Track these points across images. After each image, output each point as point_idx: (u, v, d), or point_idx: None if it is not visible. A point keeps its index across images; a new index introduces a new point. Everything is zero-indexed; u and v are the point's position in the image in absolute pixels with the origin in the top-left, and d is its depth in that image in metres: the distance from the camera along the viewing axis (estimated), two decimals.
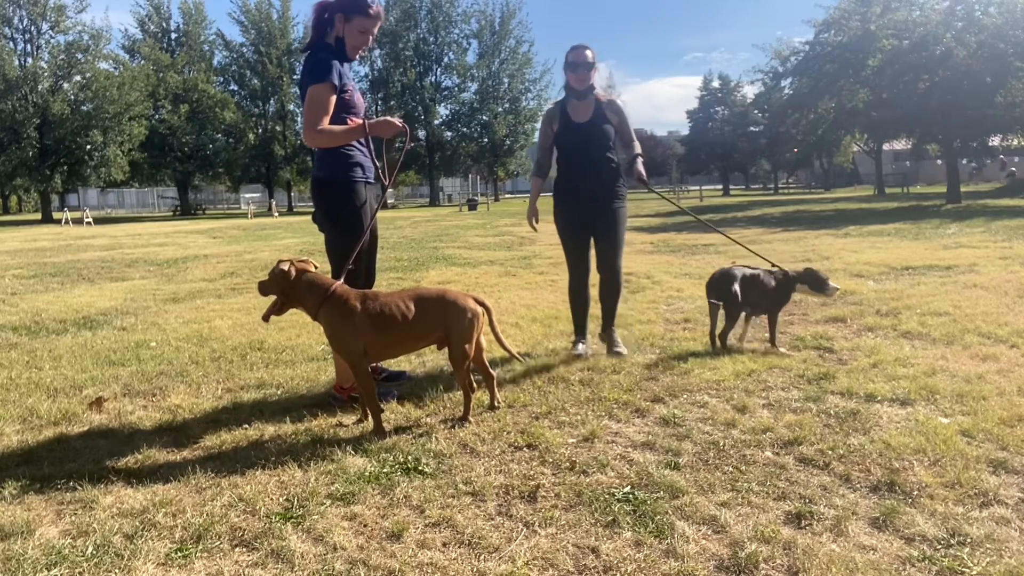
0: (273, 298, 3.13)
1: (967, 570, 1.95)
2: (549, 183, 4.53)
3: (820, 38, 25.33)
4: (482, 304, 3.21)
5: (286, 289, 3.08)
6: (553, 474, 2.63)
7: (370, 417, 3.12)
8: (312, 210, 3.58)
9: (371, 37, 3.44)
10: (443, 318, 3.11)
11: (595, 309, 4.46)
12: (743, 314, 4.32)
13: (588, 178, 4.25)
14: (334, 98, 3.28)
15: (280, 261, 3.11)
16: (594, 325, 4.55)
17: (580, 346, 4.31)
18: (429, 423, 3.18)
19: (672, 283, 7.21)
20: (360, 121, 3.37)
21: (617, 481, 2.55)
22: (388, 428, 3.11)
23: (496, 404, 3.36)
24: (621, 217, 4.33)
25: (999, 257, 8.10)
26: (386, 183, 3.61)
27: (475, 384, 3.25)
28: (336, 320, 3.04)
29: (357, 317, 3.03)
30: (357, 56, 3.49)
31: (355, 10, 3.35)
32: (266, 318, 3.16)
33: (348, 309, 3.03)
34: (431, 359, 4.29)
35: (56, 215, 36.21)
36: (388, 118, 3.30)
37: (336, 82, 3.28)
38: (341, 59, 3.39)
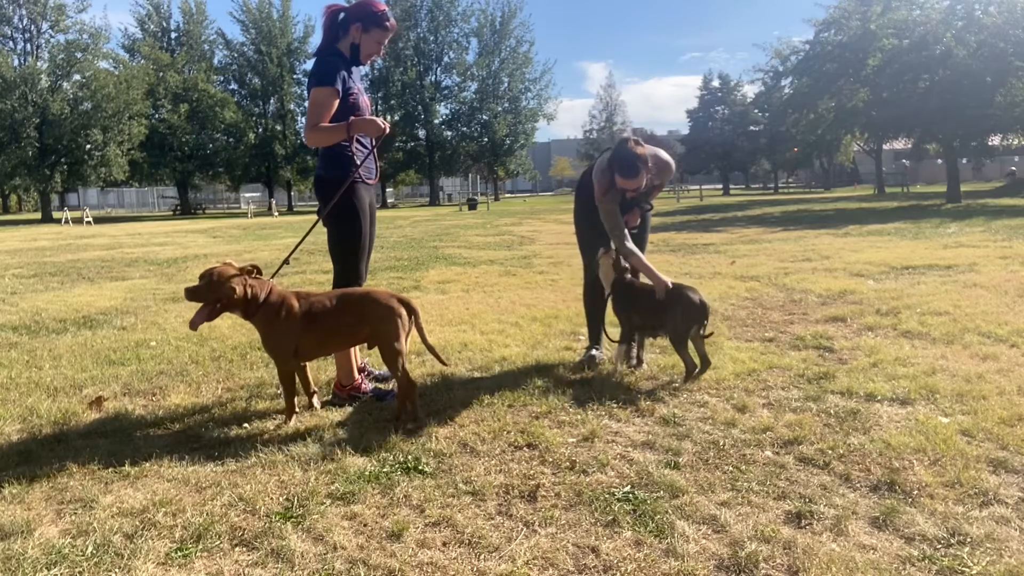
0: (200, 304, 3.09)
1: (967, 570, 1.95)
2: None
3: (820, 37, 25.36)
4: (407, 305, 3.18)
5: (222, 294, 3.04)
6: (553, 474, 2.63)
7: (287, 410, 3.23)
8: (317, 207, 3.67)
9: (383, 47, 3.56)
10: (367, 317, 3.13)
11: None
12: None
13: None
14: (336, 101, 3.37)
15: (215, 266, 3.10)
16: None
17: (595, 351, 4.11)
18: (429, 423, 3.18)
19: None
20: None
21: (617, 481, 2.55)
22: (387, 428, 3.11)
23: (400, 419, 3.16)
24: (648, 216, 4.23)
25: (999, 256, 8.10)
26: (367, 181, 3.60)
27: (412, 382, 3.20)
28: (273, 319, 3.12)
29: (293, 317, 3.12)
30: (368, 62, 3.63)
31: (374, 23, 3.46)
32: (194, 326, 3.06)
33: (285, 309, 3.12)
34: (429, 359, 4.28)
35: (56, 214, 36.21)
36: (372, 118, 3.37)
37: (339, 87, 3.37)
38: (353, 64, 3.52)
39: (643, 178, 3.80)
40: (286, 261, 3.66)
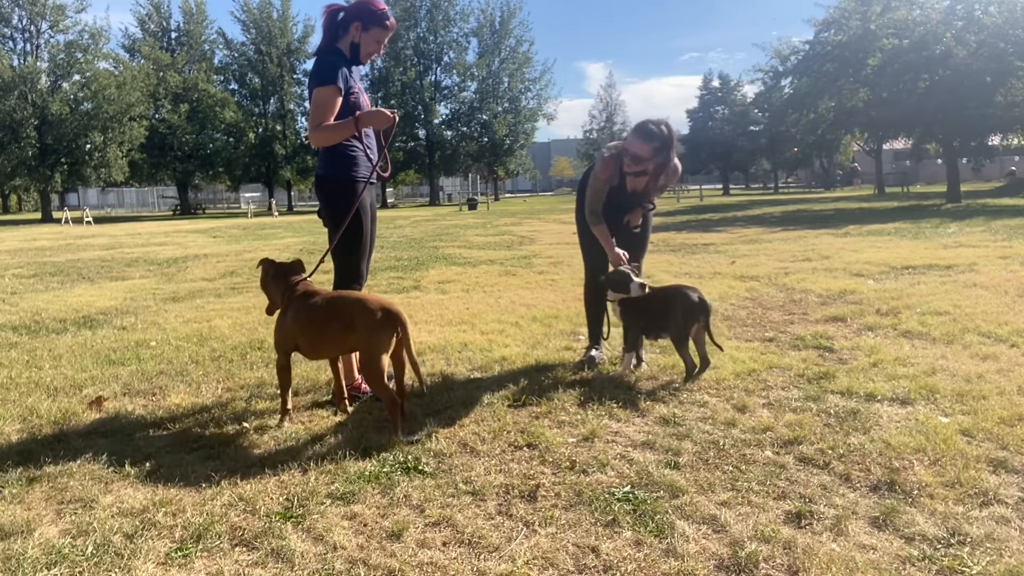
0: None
1: (967, 569, 1.95)
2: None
3: (820, 37, 25.34)
4: (397, 317, 2.99)
5: (264, 284, 3.41)
6: (553, 473, 2.63)
7: (281, 408, 3.29)
8: (318, 207, 3.66)
9: (383, 46, 3.56)
10: (355, 325, 3.02)
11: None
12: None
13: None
14: (339, 100, 3.36)
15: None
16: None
17: (595, 352, 4.11)
18: (429, 423, 3.18)
19: (672, 283, 7.20)
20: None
21: (617, 480, 2.55)
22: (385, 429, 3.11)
23: (396, 432, 2.98)
24: (649, 216, 4.24)
25: (999, 256, 8.10)
26: (383, 175, 3.63)
27: (399, 393, 3.10)
28: (282, 312, 3.27)
29: (290, 312, 3.19)
30: (368, 61, 3.63)
31: (373, 22, 3.46)
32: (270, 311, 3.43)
33: (288, 303, 3.24)
34: (429, 359, 4.29)
35: (56, 214, 36.19)
36: (379, 109, 3.35)
37: (341, 85, 3.36)
38: (353, 63, 3.51)
39: (652, 153, 3.78)
40: (322, 260, 3.61)
